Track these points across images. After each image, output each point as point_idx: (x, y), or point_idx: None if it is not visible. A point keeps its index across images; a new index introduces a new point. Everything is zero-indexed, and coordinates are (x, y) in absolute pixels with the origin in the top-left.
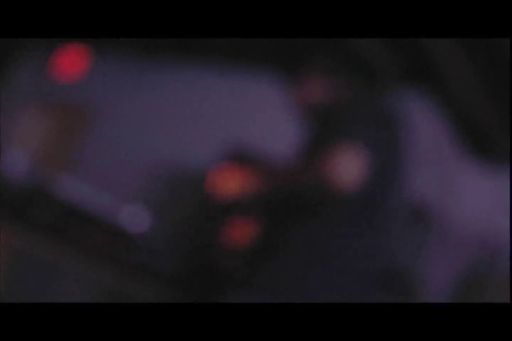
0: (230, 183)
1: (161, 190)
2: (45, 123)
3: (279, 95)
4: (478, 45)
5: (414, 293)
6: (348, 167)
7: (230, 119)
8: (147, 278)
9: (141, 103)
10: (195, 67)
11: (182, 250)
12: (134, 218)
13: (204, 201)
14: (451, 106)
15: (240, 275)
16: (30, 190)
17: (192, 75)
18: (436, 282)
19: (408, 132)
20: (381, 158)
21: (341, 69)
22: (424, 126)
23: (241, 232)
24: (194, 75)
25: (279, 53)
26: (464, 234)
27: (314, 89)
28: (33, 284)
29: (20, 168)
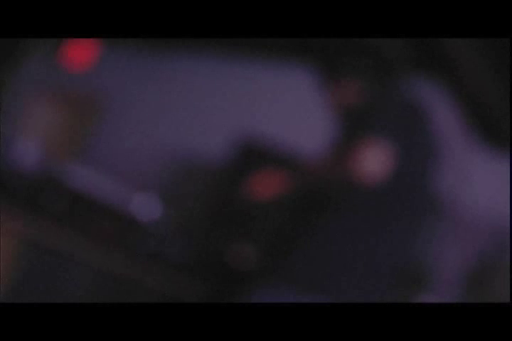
0: (266, 189)
1: (172, 178)
2: (55, 112)
3: (308, 91)
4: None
5: (428, 283)
6: (375, 162)
7: (241, 109)
8: (158, 266)
9: (153, 92)
10: (208, 56)
11: (194, 238)
12: (145, 206)
13: (216, 190)
14: (462, 95)
15: (251, 267)
16: (42, 179)
17: (205, 65)
18: (447, 270)
19: (431, 125)
20: (408, 152)
21: (370, 69)
22: (438, 116)
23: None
24: (207, 65)
25: (314, 53)
26: (474, 222)
27: (347, 89)
28: (44, 272)
29: (31, 156)
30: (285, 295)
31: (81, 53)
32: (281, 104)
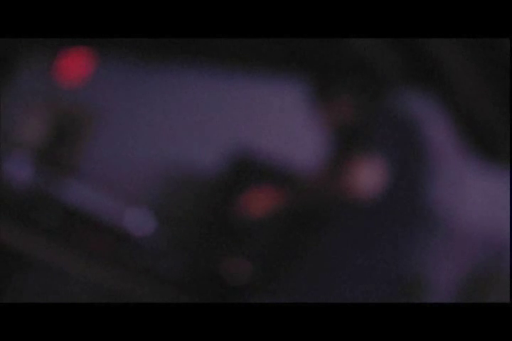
0: (258, 206)
1: (166, 192)
2: (49, 125)
3: (303, 106)
4: (481, 45)
5: (423, 295)
6: (367, 177)
7: (234, 123)
8: (152, 281)
9: (146, 105)
10: (203, 69)
11: (187, 252)
12: (139, 221)
13: (209, 204)
14: (455, 107)
15: (247, 281)
16: (35, 193)
17: (199, 78)
18: (442, 282)
19: (424, 139)
20: (401, 166)
21: (363, 85)
22: (432, 129)
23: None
24: (201, 78)
25: (308, 68)
26: (468, 234)
27: (340, 105)
28: (37, 287)
29: (24, 170)
30: None
31: (75, 67)
32: (275, 118)
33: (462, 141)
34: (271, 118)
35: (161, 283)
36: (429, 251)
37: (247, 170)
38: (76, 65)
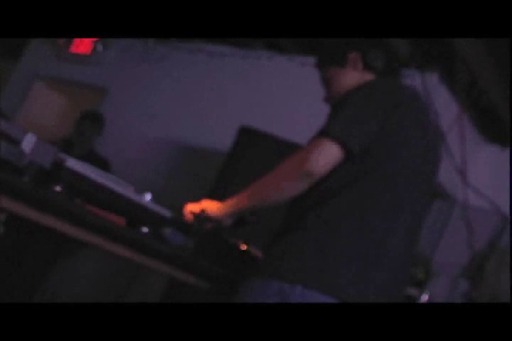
0: None
1: (171, 169)
2: (56, 103)
3: (303, 85)
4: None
5: (431, 274)
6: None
7: (239, 101)
8: (158, 260)
9: (153, 84)
10: (210, 48)
11: (194, 232)
12: (145, 199)
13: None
14: (464, 88)
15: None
16: (40, 170)
17: (207, 57)
18: (450, 259)
19: (434, 119)
20: (407, 145)
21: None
22: (441, 109)
23: None
24: (209, 57)
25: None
26: (475, 211)
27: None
28: (50, 263)
29: (32, 146)
30: (286, 293)
31: (84, 44)
32: (281, 98)
33: (472, 121)
34: (277, 98)
35: (169, 264)
36: (438, 227)
37: (252, 146)
38: (83, 43)
